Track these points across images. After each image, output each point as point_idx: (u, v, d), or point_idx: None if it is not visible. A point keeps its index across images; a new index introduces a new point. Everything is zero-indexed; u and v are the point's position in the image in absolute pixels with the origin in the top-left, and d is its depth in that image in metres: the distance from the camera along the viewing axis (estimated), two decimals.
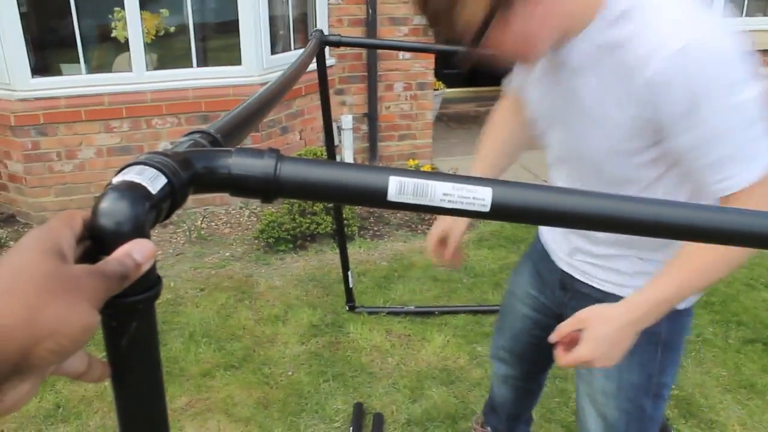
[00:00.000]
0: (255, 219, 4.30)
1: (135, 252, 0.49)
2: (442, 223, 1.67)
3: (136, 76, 4.20)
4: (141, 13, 4.15)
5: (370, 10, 4.91)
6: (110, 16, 4.25)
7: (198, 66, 4.40)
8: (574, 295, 1.55)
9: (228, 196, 4.46)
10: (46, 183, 4.24)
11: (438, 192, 0.59)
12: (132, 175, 0.52)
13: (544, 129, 1.42)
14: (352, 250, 3.89)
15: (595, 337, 1.19)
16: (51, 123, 4.11)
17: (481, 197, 0.59)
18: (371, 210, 4.35)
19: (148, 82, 4.22)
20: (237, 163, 0.59)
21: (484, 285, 3.50)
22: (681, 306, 1.43)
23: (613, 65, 1.13)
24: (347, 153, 5.12)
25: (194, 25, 4.35)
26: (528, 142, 1.67)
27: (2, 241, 4.04)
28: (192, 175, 0.58)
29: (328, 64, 4.92)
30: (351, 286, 3.17)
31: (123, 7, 4.10)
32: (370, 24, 4.94)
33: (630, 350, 1.34)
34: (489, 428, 2.26)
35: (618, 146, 1.21)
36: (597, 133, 1.23)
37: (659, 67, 1.05)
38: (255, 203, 4.46)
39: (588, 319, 1.20)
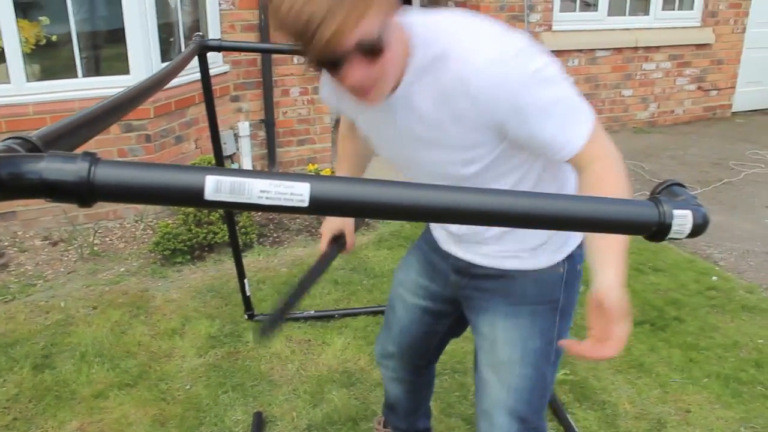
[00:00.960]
0: (150, 232, 4.19)
1: None
2: (331, 222, 1.85)
3: (16, 87, 4.01)
4: (18, 21, 3.97)
5: (263, 16, 4.87)
6: None
7: (84, 76, 4.24)
8: (472, 277, 1.62)
9: (121, 210, 4.34)
10: None
11: (255, 189, 0.59)
12: None
13: (380, 146, 1.52)
14: (251, 258, 3.85)
15: (622, 327, 1.17)
16: None
17: (299, 192, 0.60)
18: (270, 216, 4.30)
19: (29, 93, 4.04)
20: (48, 168, 0.57)
21: (383, 285, 3.52)
22: (578, 266, 1.58)
23: (440, 96, 1.25)
24: (245, 160, 5.05)
25: (78, 33, 4.19)
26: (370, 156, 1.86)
27: None
28: None
29: (221, 71, 4.86)
30: (248, 294, 3.12)
31: None
32: (263, 29, 4.90)
33: (533, 318, 1.55)
34: (390, 428, 2.28)
35: (467, 156, 1.33)
36: (442, 151, 1.34)
37: (476, 87, 1.19)
38: (150, 215, 4.34)
39: (610, 310, 1.17)
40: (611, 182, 1.24)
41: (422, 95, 1.27)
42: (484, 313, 1.61)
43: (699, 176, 5.44)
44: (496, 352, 1.58)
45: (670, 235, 0.69)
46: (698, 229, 0.70)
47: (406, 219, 0.65)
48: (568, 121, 1.25)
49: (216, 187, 0.58)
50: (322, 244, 1.90)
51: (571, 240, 1.56)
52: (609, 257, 1.22)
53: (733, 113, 7.51)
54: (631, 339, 3.04)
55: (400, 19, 1.20)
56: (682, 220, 0.68)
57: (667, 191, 0.75)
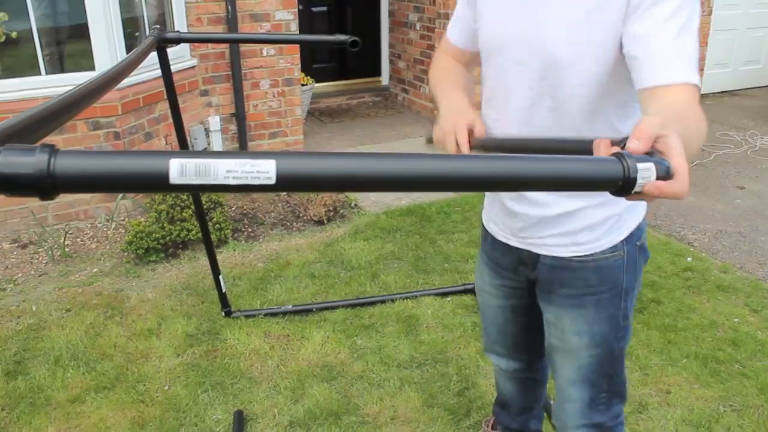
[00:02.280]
0: (123, 231, 4.12)
1: None
2: (463, 117, 1.37)
3: None
4: None
5: (230, 7, 4.80)
6: None
7: (48, 73, 4.15)
8: (534, 266, 1.61)
9: (92, 210, 4.26)
10: None
11: (221, 169, 0.58)
12: None
13: (500, 45, 1.44)
14: (226, 253, 3.80)
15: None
16: None
17: (266, 170, 0.59)
18: (244, 211, 4.26)
19: None
20: (6, 162, 0.55)
21: (361, 277, 3.50)
22: (631, 229, 1.52)
23: None
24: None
25: (39, 29, 4.09)
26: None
27: None
28: None
29: (189, 65, 4.79)
30: (224, 291, 3.08)
31: None
32: (231, 21, 4.83)
33: (597, 306, 1.55)
34: (499, 428, 2.23)
35: (593, 44, 1.28)
36: (573, 33, 1.29)
37: None
38: (122, 215, 4.27)
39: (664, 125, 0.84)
40: (696, 122, 1.07)
41: None
42: (549, 304, 1.64)
43: None
44: (564, 340, 1.63)
45: (635, 189, 0.69)
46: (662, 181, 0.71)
47: (373, 190, 0.66)
48: (689, 47, 1.19)
49: (181, 170, 0.57)
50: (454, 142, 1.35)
51: (629, 221, 1.52)
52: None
53: (702, 95, 7.58)
54: None
55: None
56: (647, 173, 0.69)
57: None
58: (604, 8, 1.24)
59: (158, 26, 2.24)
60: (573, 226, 1.50)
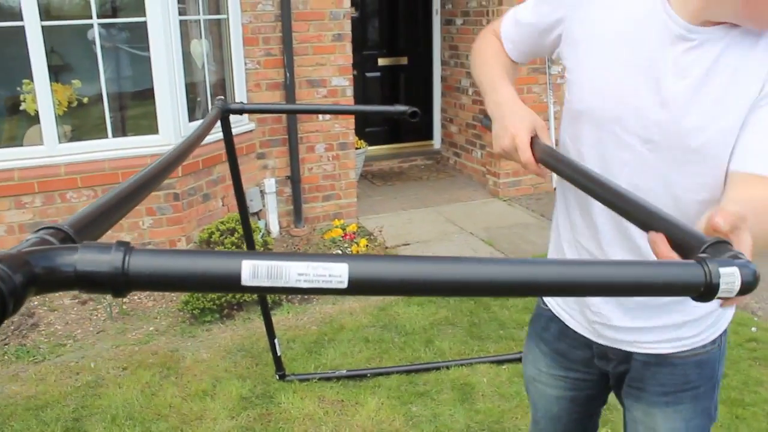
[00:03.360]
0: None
1: None
2: (520, 122, 1.23)
3: (48, 149, 4.08)
4: (52, 85, 4.05)
5: (288, 74, 4.94)
6: (19, 88, 4.13)
7: (113, 136, 4.30)
8: (620, 362, 1.46)
9: None
10: None
11: (293, 272, 0.58)
12: None
13: (601, 86, 1.25)
14: (280, 316, 3.82)
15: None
16: None
17: (338, 274, 0.58)
18: None
19: (60, 155, 4.10)
20: (83, 259, 0.56)
21: (415, 343, 3.47)
22: (727, 322, 1.41)
23: (744, 40, 1.12)
24: (272, 217, 5.07)
25: (108, 94, 4.26)
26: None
27: None
28: (30, 278, 0.54)
29: (247, 129, 4.92)
30: (279, 354, 3.09)
31: (32, 79, 4.00)
32: (288, 87, 4.96)
33: (694, 402, 1.40)
34: None
35: (727, 131, 1.14)
36: (710, 116, 1.14)
37: None
38: None
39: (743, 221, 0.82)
40: None
41: (726, 38, 1.13)
42: (637, 401, 1.46)
43: None
44: None
45: (719, 295, 0.66)
46: (748, 287, 0.67)
47: (448, 295, 0.65)
48: None
49: (253, 272, 0.58)
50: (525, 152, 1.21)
51: (729, 310, 1.42)
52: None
53: None
54: None
55: None
56: (730, 278, 0.66)
57: (711, 248, 0.73)
58: (742, 92, 1.12)
59: (222, 97, 2.34)
60: (677, 319, 1.35)
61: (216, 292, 0.66)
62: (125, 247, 0.57)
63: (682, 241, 0.78)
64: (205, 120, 1.96)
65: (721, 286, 0.65)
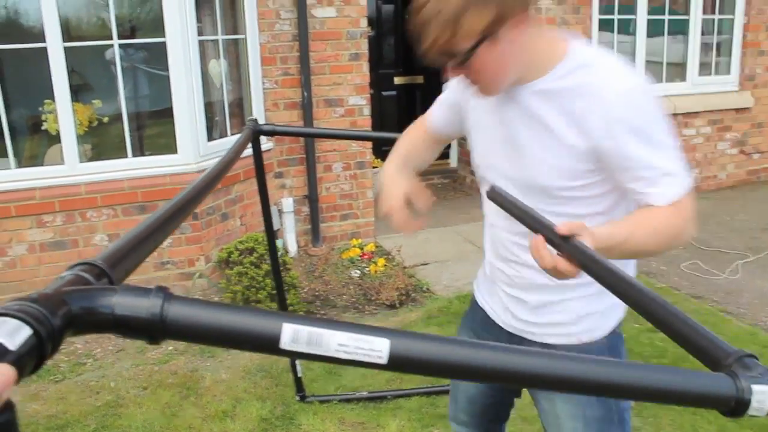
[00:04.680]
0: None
1: None
2: (396, 189, 1.60)
3: (69, 168, 4.11)
4: (73, 105, 4.09)
5: (305, 93, 4.97)
6: (40, 108, 4.17)
7: (133, 156, 4.33)
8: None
9: (169, 285, 4.35)
10: None
11: (333, 342, 0.57)
12: None
13: (483, 154, 1.60)
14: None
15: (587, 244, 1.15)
16: None
17: (378, 349, 0.57)
18: (317, 293, 4.28)
19: (81, 174, 4.13)
20: (121, 302, 0.56)
21: None
22: (612, 325, 1.61)
23: (567, 104, 1.36)
24: (289, 236, 5.07)
25: (128, 114, 4.30)
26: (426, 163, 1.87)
27: None
28: (68, 319, 0.54)
29: (265, 148, 4.93)
30: (299, 375, 3.08)
31: (53, 99, 4.04)
32: (306, 107, 4.98)
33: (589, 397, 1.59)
34: None
35: (563, 172, 1.41)
36: (546, 162, 1.42)
37: (610, 104, 1.31)
38: (197, 293, 4.34)
39: (581, 229, 1.16)
40: (655, 232, 1.33)
41: (550, 102, 1.38)
42: (541, 393, 1.69)
43: (750, 243, 5.31)
44: (560, 426, 1.67)
45: (749, 412, 0.64)
46: None
47: (490, 382, 0.64)
48: (672, 170, 1.35)
49: (293, 336, 0.56)
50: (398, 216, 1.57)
51: (611, 319, 1.62)
52: (619, 230, 1.30)
53: None
54: (699, 419, 2.93)
55: (538, 30, 1.36)
56: (762, 396, 0.65)
57: (739, 363, 0.70)
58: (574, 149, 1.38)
59: (254, 118, 2.35)
60: (561, 318, 1.60)
61: (250, 351, 0.64)
62: (164, 293, 0.57)
63: (710, 352, 0.77)
64: (237, 141, 1.98)
65: (753, 404, 0.64)
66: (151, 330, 0.56)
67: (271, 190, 4.99)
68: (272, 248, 2.78)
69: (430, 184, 7.16)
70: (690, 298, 4.26)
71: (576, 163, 1.39)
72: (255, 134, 2.31)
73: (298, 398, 3.12)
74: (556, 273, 1.18)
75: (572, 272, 1.16)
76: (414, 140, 1.83)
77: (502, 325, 1.70)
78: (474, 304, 1.84)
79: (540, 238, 1.17)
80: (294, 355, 0.57)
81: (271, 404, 3.12)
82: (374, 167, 5.73)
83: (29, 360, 0.49)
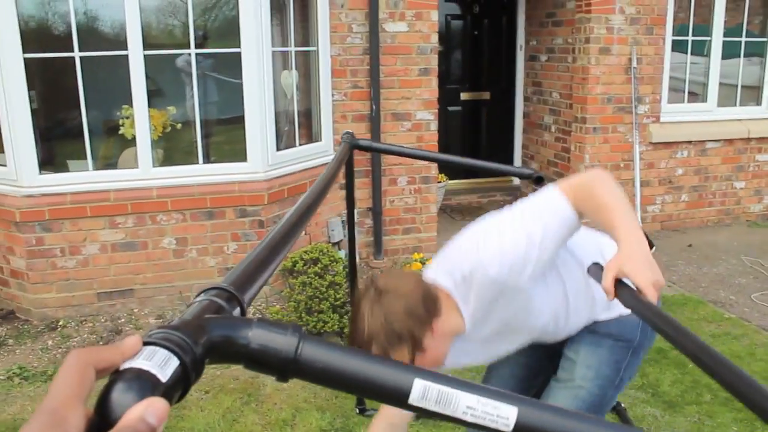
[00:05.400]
0: (260, 317, 4.24)
1: (149, 415, 0.46)
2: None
3: (142, 172, 4.22)
4: (149, 111, 4.20)
5: (374, 106, 5.00)
6: (118, 112, 4.30)
7: (203, 162, 4.43)
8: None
9: None
10: (48, 279, 4.19)
11: (462, 404, 0.56)
12: (141, 360, 0.49)
13: (499, 350, 1.92)
14: None
15: (638, 270, 1.32)
16: (56, 219, 4.10)
17: (505, 416, 0.57)
18: None
19: (153, 178, 4.24)
20: (258, 336, 0.56)
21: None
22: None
23: (488, 296, 1.68)
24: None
25: (201, 121, 4.40)
26: None
27: (1, 339, 3.95)
28: (208, 348, 0.55)
29: (327, 160, 4.97)
30: None
31: (131, 104, 4.16)
32: (374, 119, 5.01)
33: (611, 350, 1.90)
34: None
35: (535, 296, 1.75)
36: (524, 309, 1.76)
37: (492, 272, 1.63)
38: (260, 300, 4.40)
39: (617, 265, 1.34)
40: (594, 192, 1.57)
41: (480, 309, 1.70)
42: (572, 343, 1.97)
43: None
44: (573, 369, 1.93)
45: None
46: None
47: None
48: (540, 209, 1.65)
49: (423, 393, 0.56)
50: None
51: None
52: (616, 230, 1.45)
53: None
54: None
55: (438, 290, 1.69)
56: None
57: None
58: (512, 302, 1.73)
59: (351, 132, 2.40)
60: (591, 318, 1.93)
61: (378, 401, 0.64)
62: (300, 333, 0.57)
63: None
64: (337, 155, 2.03)
65: None
66: (284, 368, 0.56)
67: (337, 200, 5.03)
68: (352, 258, 2.81)
69: (493, 200, 7.12)
70: (761, 330, 4.11)
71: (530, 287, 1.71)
72: (351, 148, 2.36)
73: (357, 411, 3.12)
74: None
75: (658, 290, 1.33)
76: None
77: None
78: None
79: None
80: (420, 411, 0.57)
81: (331, 416, 3.13)
82: (439, 182, 5.73)
83: (176, 390, 0.50)
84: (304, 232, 4.70)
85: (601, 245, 1.87)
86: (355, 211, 5.07)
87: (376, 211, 5.17)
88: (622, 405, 3.12)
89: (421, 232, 5.38)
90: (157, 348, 0.50)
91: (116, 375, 0.48)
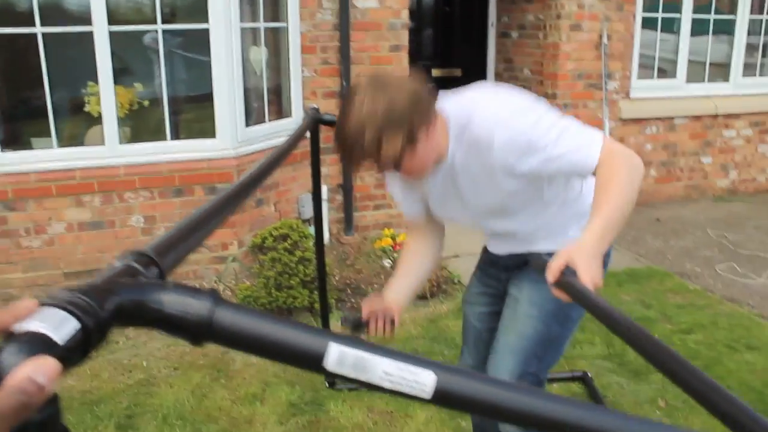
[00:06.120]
0: (230, 293, 4.22)
1: (37, 374, 0.44)
2: (378, 304, 1.99)
3: (109, 150, 4.17)
4: (115, 88, 4.14)
5: (344, 83, 4.97)
6: (83, 90, 4.23)
7: (172, 139, 4.38)
8: (516, 266, 2.04)
9: (201, 270, 4.40)
10: (13, 259, 4.13)
11: (379, 369, 0.56)
12: (34, 322, 0.47)
13: (447, 210, 1.96)
14: (330, 322, 3.82)
15: (587, 265, 1.36)
16: (20, 198, 4.04)
17: (423, 382, 0.56)
18: (348, 281, 4.29)
19: (120, 156, 4.18)
20: (171, 300, 0.55)
21: None
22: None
23: (475, 152, 1.69)
24: (323, 224, 5.08)
25: (168, 98, 4.34)
26: (435, 260, 2.18)
27: None
28: (116, 310, 0.53)
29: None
30: None
31: (96, 81, 4.10)
32: (344, 96, 4.99)
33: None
34: None
35: (505, 189, 1.75)
36: (489, 191, 1.78)
37: (496, 138, 1.63)
38: (230, 278, 4.38)
39: (570, 254, 1.38)
40: (615, 181, 1.54)
41: (462, 156, 1.72)
42: (517, 281, 2.03)
43: None
44: (517, 308, 1.99)
45: None
46: None
47: (534, 428, 0.61)
48: (579, 145, 1.60)
49: (339, 359, 0.55)
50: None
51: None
52: (594, 220, 1.49)
53: None
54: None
55: (437, 106, 1.68)
56: None
57: None
58: (504, 179, 1.72)
59: (316, 107, 2.37)
60: (559, 239, 1.87)
61: (293, 366, 0.63)
62: (214, 297, 0.56)
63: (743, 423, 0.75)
64: (297, 130, 2.00)
65: None
66: (197, 332, 0.55)
67: (307, 177, 5.00)
68: (319, 238, 2.80)
69: None
70: (724, 301, 4.19)
71: (509, 181, 1.72)
72: (314, 123, 2.33)
73: (327, 385, 3.14)
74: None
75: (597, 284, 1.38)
76: (405, 257, 2.16)
77: (502, 253, 2.09)
78: (484, 248, 2.23)
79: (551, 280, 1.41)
80: (336, 376, 0.57)
81: (301, 390, 3.14)
82: None
83: (75, 352, 0.48)
84: (273, 209, 4.69)
85: (581, 213, 1.83)
86: (326, 187, 5.07)
87: (346, 187, 5.16)
88: (590, 375, 3.18)
89: (392, 207, 5.37)
90: (55, 309, 0.49)
91: (6, 337, 0.47)
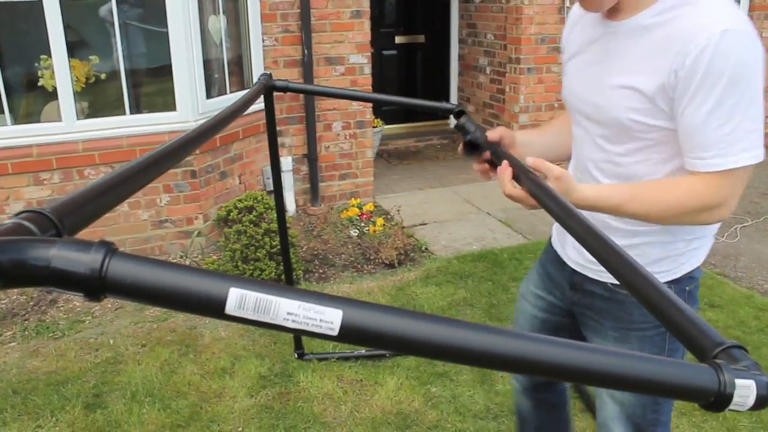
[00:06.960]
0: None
1: None
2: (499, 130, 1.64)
3: (66, 125, 4.06)
4: (69, 61, 4.03)
5: (306, 51, 4.90)
6: (36, 64, 4.11)
7: (131, 113, 4.28)
8: (584, 293, 1.67)
9: (166, 246, 4.35)
10: None
11: (282, 311, 0.54)
12: None
13: (570, 82, 1.61)
14: None
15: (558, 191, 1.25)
16: None
17: (329, 320, 0.55)
18: (315, 252, 4.28)
19: (78, 131, 4.09)
20: (59, 255, 0.53)
21: None
22: (687, 270, 1.54)
23: (658, 39, 1.33)
24: (288, 195, 5.05)
25: (126, 71, 4.24)
26: (568, 147, 1.77)
27: None
28: None
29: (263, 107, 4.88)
30: None
31: (50, 55, 3.98)
32: (306, 65, 4.92)
33: (641, 344, 1.56)
34: None
35: (636, 105, 1.38)
36: (623, 93, 1.40)
37: (699, 48, 1.25)
38: (196, 252, 4.34)
39: (561, 182, 1.31)
40: (670, 199, 1.34)
41: (640, 29, 1.38)
42: (595, 336, 1.68)
43: (748, 207, 5.30)
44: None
45: (730, 407, 0.62)
46: (762, 402, 0.62)
47: (443, 360, 0.60)
48: (726, 139, 1.28)
49: (239, 302, 0.54)
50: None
51: (684, 265, 1.54)
52: (611, 192, 1.37)
53: None
54: None
55: None
56: (745, 391, 0.61)
57: (726, 354, 0.67)
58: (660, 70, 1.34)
59: (268, 73, 2.31)
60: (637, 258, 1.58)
61: (194, 314, 0.62)
62: (107, 248, 0.54)
63: (696, 341, 0.72)
64: (247, 93, 1.93)
65: (735, 399, 0.61)
66: (90, 286, 0.53)
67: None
68: (280, 208, 2.76)
69: (429, 144, 7.13)
70: None
71: (650, 100, 1.35)
72: (267, 90, 2.27)
73: (296, 356, 3.14)
74: (514, 200, 1.35)
75: (527, 203, 1.31)
76: (547, 125, 1.89)
77: (569, 262, 1.70)
78: (549, 240, 1.86)
79: (506, 165, 1.36)
80: (240, 321, 0.55)
81: (270, 362, 3.14)
82: (374, 126, 5.69)
83: None
84: (238, 181, 4.64)
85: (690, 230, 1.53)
86: (291, 158, 5.03)
87: (311, 157, 5.11)
88: None
89: (358, 177, 5.36)
90: None
91: None
